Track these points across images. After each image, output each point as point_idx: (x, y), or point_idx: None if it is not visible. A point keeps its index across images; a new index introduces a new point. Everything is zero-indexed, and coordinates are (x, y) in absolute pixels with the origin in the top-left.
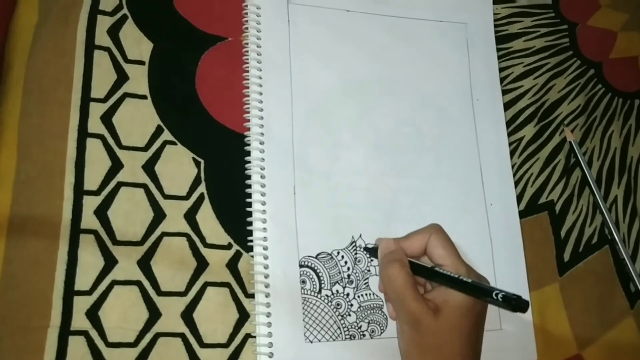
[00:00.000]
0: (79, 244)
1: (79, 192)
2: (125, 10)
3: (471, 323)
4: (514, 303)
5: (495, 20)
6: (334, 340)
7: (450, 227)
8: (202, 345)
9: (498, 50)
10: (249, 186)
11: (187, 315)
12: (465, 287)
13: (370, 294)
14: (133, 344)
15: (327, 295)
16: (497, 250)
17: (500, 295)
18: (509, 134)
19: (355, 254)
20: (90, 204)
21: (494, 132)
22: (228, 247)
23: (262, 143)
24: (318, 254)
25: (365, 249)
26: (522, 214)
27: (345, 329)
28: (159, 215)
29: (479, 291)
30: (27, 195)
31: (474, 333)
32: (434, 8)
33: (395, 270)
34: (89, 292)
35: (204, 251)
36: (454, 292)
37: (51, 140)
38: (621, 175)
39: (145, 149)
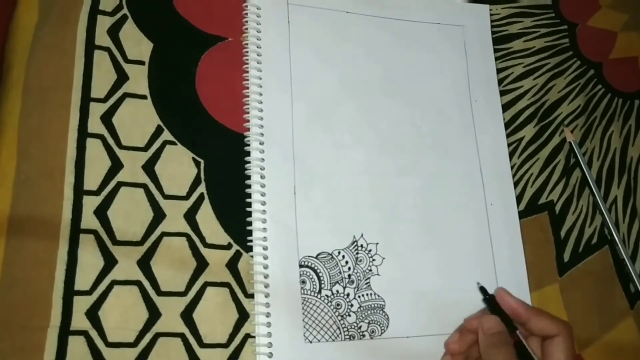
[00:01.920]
0: (79, 244)
1: (79, 192)
2: (125, 10)
3: None
4: None
5: (495, 21)
6: (333, 340)
7: (450, 227)
8: (202, 345)
9: (498, 50)
10: (249, 186)
11: (187, 315)
12: None
13: (371, 294)
14: (133, 344)
15: (327, 296)
16: (497, 250)
17: None
18: (509, 135)
19: (357, 253)
20: (90, 204)
21: (493, 132)
22: (228, 247)
23: (262, 143)
24: (318, 254)
25: (482, 290)
26: (522, 214)
27: (345, 329)
28: (159, 215)
29: None
30: (27, 195)
31: None
32: (431, 11)
33: (511, 357)
34: (89, 292)
35: (204, 251)
36: None
37: (51, 140)
38: (621, 175)
39: (145, 149)
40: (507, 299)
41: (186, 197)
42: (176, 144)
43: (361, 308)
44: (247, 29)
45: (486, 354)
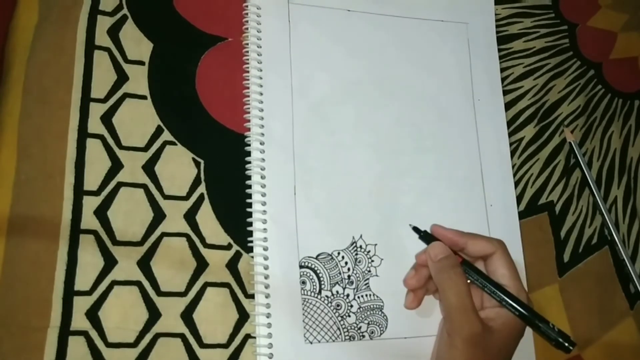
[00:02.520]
0: (79, 244)
1: (79, 192)
2: (125, 11)
3: (516, 343)
4: (563, 345)
5: (495, 21)
6: (333, 341)
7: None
8: (202, 345)
9: (498, 50)
10: (249, 186)
11: (187, 316)
12: (527, 316)
13: (370, 295)
14: (133, 344)
15: (327, 296)
16: None
17: (552, 335)
18: (509, 135)
19: (356, 254)
20: (90, 204)
21: (494, 132)
22: (228, 247)
23: (262, 143)
24: (318, 255)
25: (415, 229)
26: (522, 215)
27: (345, 330)
28: (159, 215)
29: (533, 323)
30: (27, 195)
31: (514, 350)
32: (435, 8)
33: (456, 276)
34: (88, 292)
35: (204, 251)
36: (509, 315)
37: (51, 141)
38: (621, 175)
39: (145, 149)
40: (442, 231)
41: (186, 197)
42: (176, 144)
43: (361, 309)
44: (247, 29)
45: (437, 279)
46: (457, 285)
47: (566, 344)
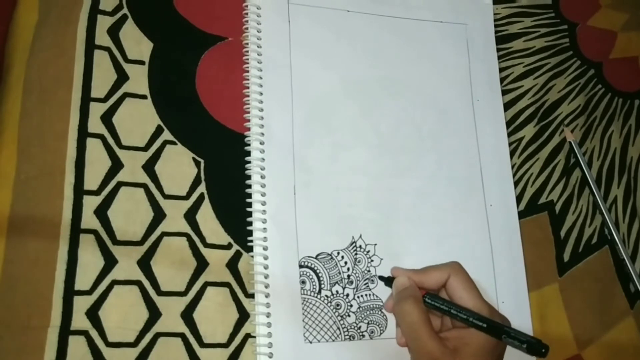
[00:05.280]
0: (79, 243)
1: (79, 192)
2: (125, 10)
3: None
4: (535, 346)
5: (495, 21)
6: (333, 340)
7: (450, 228)
8: (202, 345)
9: (498, 50)
10: (249, 186)
11: (187, 315)
12: (488, 329)
13: (369, 295)
14: (133, 344)
15: (326, 296)
16: (496, 251)
17: (522, 338)
18: (509, 134)
19: (355, 254)
20: (90, 203)
21: (494, 132)
22: (228, 247)
23: (262, 143)
24: (318, 255)
25: (380, 278)
26: (522, 214)
27: (345, 329)
28: (159, 215)
29: (501, 333)
30: (27, 195)
31: None
32: (434, 9)
33: (408, 306)
34: (89, 292)
35: (204, 251)
36: (474, 333)
37: (51, 140)
38: (621, 175)
39: (145, 149)
40: (399, 271)
41: (186, 197)
42: (176, 144)
43: (360, 308)
44: (247, 28)
45: (397, 307)
46: (409, 315)
47: (541, 348)
